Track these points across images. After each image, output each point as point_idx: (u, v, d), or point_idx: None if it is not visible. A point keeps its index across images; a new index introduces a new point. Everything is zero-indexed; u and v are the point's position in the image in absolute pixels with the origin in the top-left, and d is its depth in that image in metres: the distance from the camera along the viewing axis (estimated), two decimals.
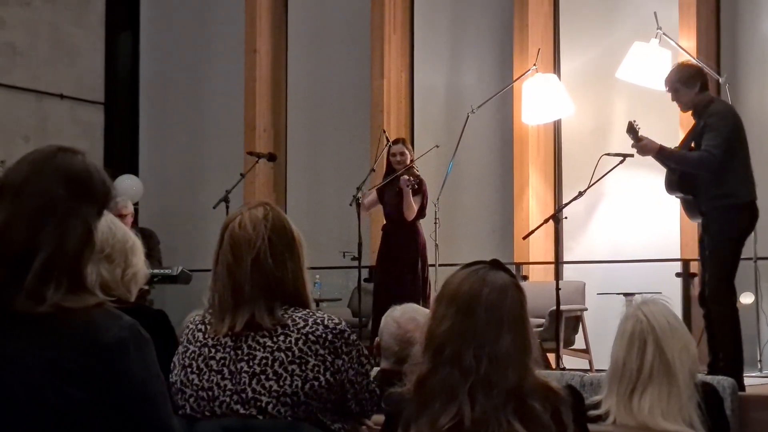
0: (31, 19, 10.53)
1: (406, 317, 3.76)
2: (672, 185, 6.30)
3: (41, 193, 1.98)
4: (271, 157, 9.15)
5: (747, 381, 6.11)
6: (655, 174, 6.54)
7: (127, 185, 10.37)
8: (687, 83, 6.22)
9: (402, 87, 9.78)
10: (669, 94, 6.38)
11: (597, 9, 9.08)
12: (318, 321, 2.74)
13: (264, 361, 2.70)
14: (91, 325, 1.95)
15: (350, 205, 8.00)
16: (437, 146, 8.39)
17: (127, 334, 1.97)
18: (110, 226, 2.93)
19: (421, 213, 7.96)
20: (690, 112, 6.36)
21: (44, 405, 1.91)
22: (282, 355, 2.70)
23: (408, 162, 7.99)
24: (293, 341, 2.71)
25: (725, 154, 6.00)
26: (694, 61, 7.00)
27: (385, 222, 8.25)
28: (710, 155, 6.00)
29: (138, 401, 1.96)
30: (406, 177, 7.78)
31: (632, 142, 6.31)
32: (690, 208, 6.30)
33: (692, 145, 6.25)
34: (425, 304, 7.37)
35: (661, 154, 6.24)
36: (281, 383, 2.68)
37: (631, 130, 6.26)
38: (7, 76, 10.28)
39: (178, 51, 11.24)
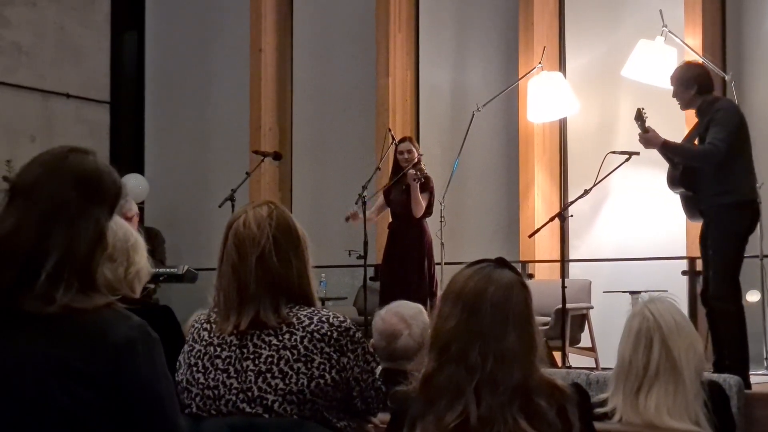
0: (37, 18, 10.55)
1: (390, 312, 3.79)
2: (674, 181, 6.29)
3: (53, 195, 1.98)
4: (277, 156, 9.15)
5: (753, 379, 6.10)
6: (661, 172, 6.52)
7: (132, 184, 10.38)
8: (684, 84, 6.23)
9: (407, 85, 9.77)
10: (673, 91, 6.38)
11: (602, 7, 9.07)
12: (323, 319, 2.74)
13: (269, 359, 2.70)
14: (100, 325, 1.95)
15: (356, 203, 8.00)
16: (422, 154, 8.34)
17: (136, 334, 1.97)
18: (111, 225, 2.92)
19: (428, 210, 7.97)
20: (693, 112, 6.36)
21: (53, 404, 1.91)
22: (287, 353, 2.70)
23: (415, 159, 8.00)
24: (298, 339, 2.71)
25: (729, 149, 5.98)
26: (699, 62, 6.97)
27: (391, 220, 8.25)
28: (714, 148, 5.97)
29: (146, 400, 1.96)
30: (412, 171, 7.80)
31: (638, 132, 6.28)
32: (690, 205, 6.28)
33: (695, 142, 6.24)
34: (432, 302, 7.39)
35: (665, 147, 6.23)
36: (287, 381, 2.68)
37: (639, 117, 6.24)
38: (13, 76, 10.30)
39: (184, 50, 11.25)
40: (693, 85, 6.19)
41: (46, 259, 1.94)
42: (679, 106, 6.40)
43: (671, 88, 6.36)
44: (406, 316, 3.78)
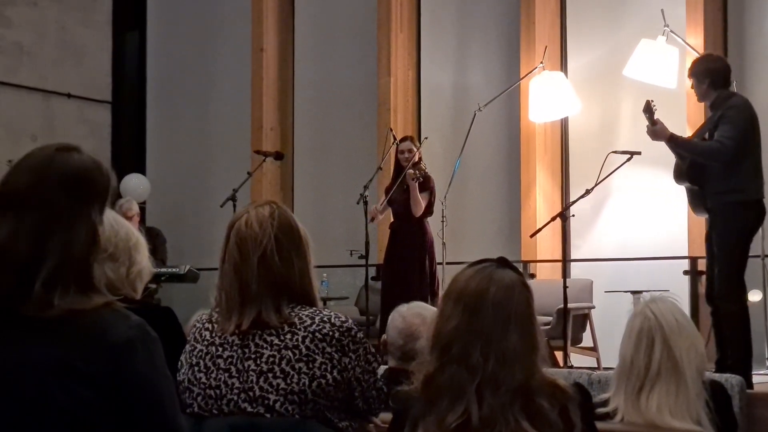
0: (38, 18, 10.55)
1: (412, 312, 3.79)
2: (680, 174, 6.26)
3: (45, 202, 1.97)
4: (278, 156, 9.16)
5: (755, 379, 6.10)
6: (663, 171, 6.52)
7: (134, 184, 10.39)
8: (698, 77, 6.21)
9: (409, 85, 9.78)
10: (677, 92, 6.37)
11: (604, 6, 9.07)
12: (325, 319, 2.74)
13: (271, 359, 2.70)
14: (99, 325, 1.95)
15: (357, 203, 8.00)
16: (426, 138, 8.36)
17: (135, 333, 1.97)
18: (113, 225, 2.91)
19: (429, 210, 7.97)
20: (705, 105, 6.34)
21: (53, 404, 1.91)
22: (289, 353, 2.70)
23: (416, 159, 8.02)
24: (300, 339, 2.71)
25: (738, 147, 5.96)
26: (719, 55, 6.93)
27: (392, 220, 8.26)
28: (722, 146, 5.95)
29: (145, 400, 1.96)
30: (411, 171, 7.81)
31: (646, 124, 6.25)
32: (695, 200, 6.26)
33: (705, 136, 6.21)
34: (433, 302, 7.38)
35: (672, 141, 6.21)
36: (288, 381, 2.68)
37: (648, 109, 6.20)
38: (15, 76, 10.30)
39: (185, 50, 11.26)
40: (705, 78, 6.17)
41: (42, 267, 1.93)
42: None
43: (673, 87, 6.35)
44: (429, 319, 3.79)
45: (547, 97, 8.68)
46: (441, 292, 7.52)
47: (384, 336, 3.81)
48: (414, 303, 3.91)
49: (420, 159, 8.04)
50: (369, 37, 9.93)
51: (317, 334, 2.72)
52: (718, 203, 6.04)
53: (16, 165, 2.03)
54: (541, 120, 8.89)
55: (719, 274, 6.02)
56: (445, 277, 7.78)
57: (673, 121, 7.18)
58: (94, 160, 2.06)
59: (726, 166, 5.97)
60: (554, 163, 9.10)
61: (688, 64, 6.54)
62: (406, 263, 7.87)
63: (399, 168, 8.12)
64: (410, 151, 8.07)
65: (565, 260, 7.62)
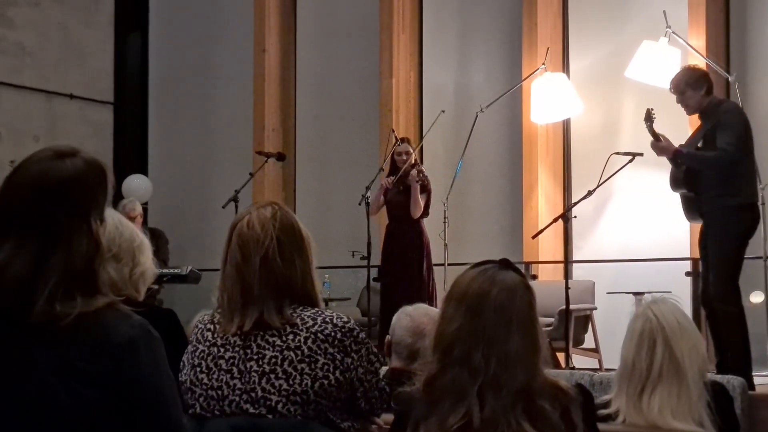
0: (41, 19, 10.55)
1: (419, 311, 3.80)
2: (677, 182, 6.30)
3: (43, 223, 1.96)
4: (280, 157, 9.16)
5: (757, 380, 6.10)
6: (665, 173, 6.53)
7: (136, 185, 10.39)
8: (694, 86, 6.22)
9: (411, 86, 9.78)
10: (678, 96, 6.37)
11: (606, 8, 9.07)
12: (327, 319, 2.75)
13: (273, 360, 2.70)
14: (102, 325, 1.95)
15: (359, 204, 8.01)
16: (443, 111, 8.32)
17: (138, 333, 1.97)
18: (117, 225, 2.92)
19: (426, 211, 7.99)
20: (696, 115, 6.36)
21: (56, 404, 1.92)
22: (291, 353, 2.70)
23: (412, 162, 8.03)
24: (302, 340, 2.71)
25: (739, 150, 5.99)
26: (700, 64, 7.00)
27: (388, 222, 8.25)
28: (725, 153, 5.98)
29: (148, 400, 1.97)
30: (414, 172, 7.83)
31: (651, 140, 6.27)
32: (691, 207, 6.29)
33: (699, 145, 6.23)
34: (430, 305, 7.38)
35: (679, 155, 6.23)
36: (291, 382, 2.68)
37: (648, 118, 6.24)
38: (17, 77, 10.31)
39: (187, 51, 11.26)
40: (703, 85, 6.20)
41: (45, 284, 1.93)
42: (686, 111, 6.39)
43: (671, 92, 6.34)
44: (435, 318, 3.81)
45: (549, 98, 8.68)
46: (437, 296, 7.56)
47: (388, 337, 3.82)
48: (418, 304, 3.93)
49: (416, 161, 8.06)
50: (371, 38, 9.93)
51: (319, 334, 2.72)
52: (714, 207, 6.07)
53: (13, 181, 2.01)
54: (543, 121, 8.89)
55: (716, 277, 6.05)
56: (447, 278, 7.78)
57: (674, 122, 7.20)
58: (89, 161, 2.04)
59: (723, 170, 6.01)
60: (556, 164, 9.10)
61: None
62: (405, 265, 7.87)
63: (395, 169, 8.13)
64: (407, 153, 8.08)
65: (567, 261, 7.62)
